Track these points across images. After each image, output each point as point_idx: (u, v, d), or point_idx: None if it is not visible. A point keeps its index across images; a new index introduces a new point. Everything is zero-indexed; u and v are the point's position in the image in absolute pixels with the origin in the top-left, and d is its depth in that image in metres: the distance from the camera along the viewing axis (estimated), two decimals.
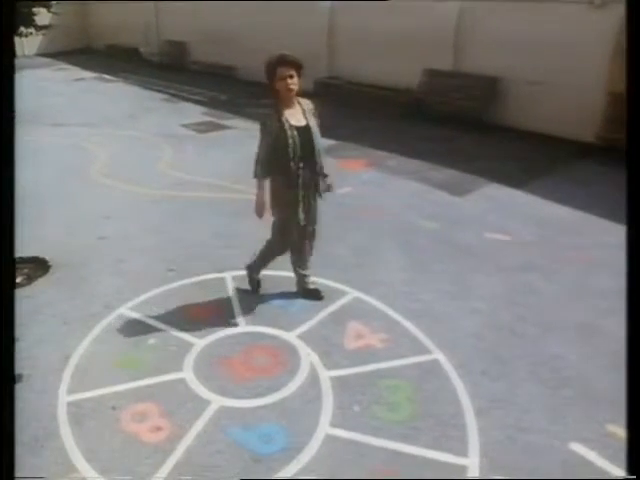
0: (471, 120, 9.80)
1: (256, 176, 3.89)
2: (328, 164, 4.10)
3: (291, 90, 3.66)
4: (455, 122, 9.81)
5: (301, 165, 3.79)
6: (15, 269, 4.50)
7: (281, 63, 3.63)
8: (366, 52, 11.92)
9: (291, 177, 3.80)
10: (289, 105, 3.77)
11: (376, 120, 10.53)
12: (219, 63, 16.28)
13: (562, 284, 4.65)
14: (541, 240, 5.47)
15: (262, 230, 5.67)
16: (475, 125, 9.70)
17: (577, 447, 3.01)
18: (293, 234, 4.09)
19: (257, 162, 3.86)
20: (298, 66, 3.67)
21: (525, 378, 3.55)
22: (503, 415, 3.25)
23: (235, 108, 11.84)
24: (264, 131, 3.80)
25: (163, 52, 18.76)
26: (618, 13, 8.06)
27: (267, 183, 3.96)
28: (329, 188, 4.09)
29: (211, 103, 12.58)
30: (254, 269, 4.43)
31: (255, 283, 4.49)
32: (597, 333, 4.00)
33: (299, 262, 4.36)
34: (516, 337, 3.95)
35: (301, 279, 4.42)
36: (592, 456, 2.95)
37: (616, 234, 5.58)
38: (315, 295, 4.38)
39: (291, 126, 3.72)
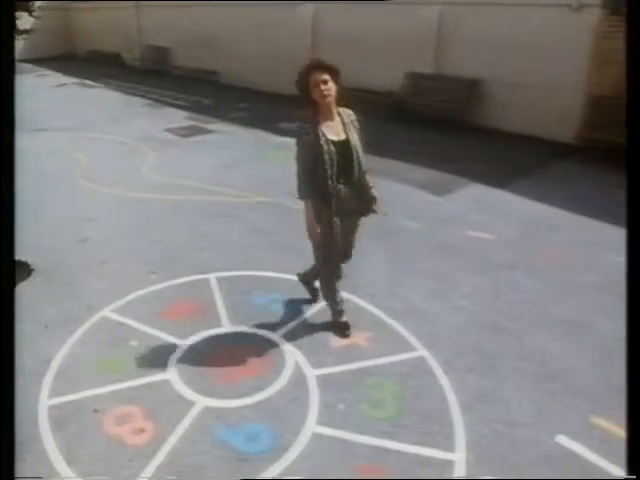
0: (453, 122, 9.88)
1: (301, 197, 3.50)
2: None
3: (326, 96, 3.28)
4: (437, 124, 9.89)
5: (341, 183, 3.45)
6: (15, 271, 4.42)
7: (314, 68, 3.29)
8: (349, 55, 11.89)
9: (328, 196, 3.45)
10: (327, 117, 3.39)
11: (358, 122, 10.55)
12: (202, 68, 16.27)
13: (545, 281, 4.68)
14: (524, 238, 5.51)
15: (245, 232, 5.68)
16: (457, 127, 9.78)
17: (562, 439, 3.03)
18: (333, 255, 3.74)
19: (299, 181, 3.47)
20: (333, 71, 3.32)
21: (510, 373, 3.57)
22: (489, 410, 3.25)
23: (218, 112, 11.82)
24: (300, 146, 3.43)
25: (145, 57, 18.71)
26: (595, 16, 8.21)
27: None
28: (374, 208, 3.69)
29: (194, 107, 12.54)
30: (328, 296, 3.98)
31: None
32: (580, 328, 4.04)
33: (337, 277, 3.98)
34: (500, 333, 3.96)
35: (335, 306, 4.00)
36: (578, 448, 2.97)
37: (597, 231, 5.68)
38: (342, 328, 3.95)
39: (328, 140, 3.36)
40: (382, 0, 10.81)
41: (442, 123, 9.88)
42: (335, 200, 3.47)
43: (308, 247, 3.88)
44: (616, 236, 5.59)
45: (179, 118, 11.40)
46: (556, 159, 8.20)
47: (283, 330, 3.97)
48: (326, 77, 3.27)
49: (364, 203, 3.65)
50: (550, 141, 8.78)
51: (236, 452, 2.94)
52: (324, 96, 3.28)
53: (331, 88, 3.29)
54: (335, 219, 3.53)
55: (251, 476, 2.80)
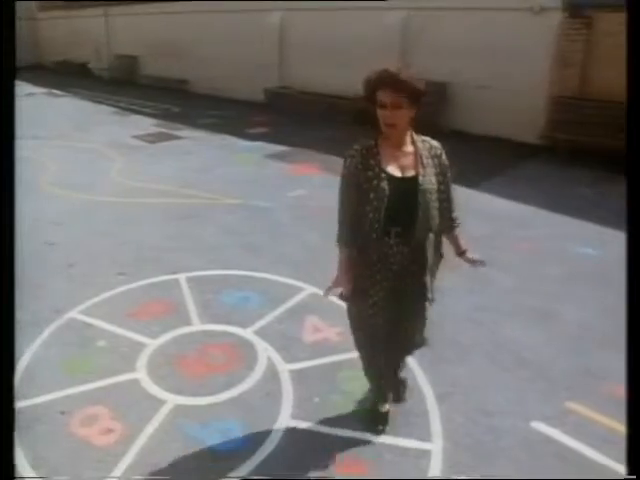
0: (421, 125, 9.94)
1: (339, 241, 2.61)
2: (280, 170, 3.70)
3: (389, 126, 2.41)
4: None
5: (392, 237, 2.50)
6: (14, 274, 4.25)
7: (384, 84, 2.36)
8: (316, 62, 12.04)
9: (370, 252, 2.55)
10: (394, 143, 2.49)
11: (327, 127, 10.61)
12: (171, 76, 16.18)
13: (515, 273, 4.73)
14: (494, 234, 5.57)
15: (214, 233, 5.61)
16: (425, 129, 9.81)
17: (538, 425, 3.03)
18: (373, 340, 2.82)
19: (340, 221, 2.60)
20: (412, 92, 2.36)
21: (484, 363, 3.57)
22: (464, 399, 3.24)
23: (187, 119, 11.75)
24: (343, 172, 2.55)
25: (114, 67, 18.53)
26: (556, 19, 8.41)
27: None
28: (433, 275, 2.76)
29: (162, 115, 12.43)
30: (375, 377, 3.02)
31: (392, 389, 3.12)
32: (551, 317, 4.08)
33: (389, 363, 3.00)
34: (474, 324, 3.97)
35: (394, 386, 3.12)
36: (554, 433, 2.97)
37: (563, 225, 5.80)
38: (376, 419, 3.03)
39: (383, 174, 2.45)
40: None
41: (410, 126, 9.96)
42: (379, 260, 2.54)
43: (278, 246, 3.81)
44: (582, 229, 5.74)
45: (147, 125, 11.28)
46: (522, 159, 8.34)
47: (255, 327, 3.90)
48: (397, 100, 2.34)
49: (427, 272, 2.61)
50: (516, 142, 8.95)
51: (209, 449, 2.86)
52: (387, 125, 2.41)
53: (400, 117, 2.39)
54: (376, 289, 2.61)
55: (225, 473, 2.72)
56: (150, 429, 2.98)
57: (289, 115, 11.87)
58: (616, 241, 5.34)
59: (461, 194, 7.05)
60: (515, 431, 2.99)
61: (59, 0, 21.34)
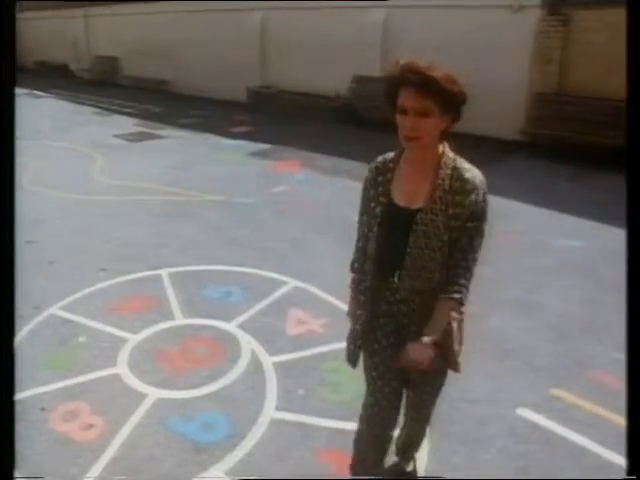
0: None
1: (352, 270, 2.16)
2: (262, 167, 3.51)
3: (409, 139, 1.80)
4: (386, 126, 9.95)
5: (395, 279, 1.97)
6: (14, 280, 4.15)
7: (406, 82, 1.74)
8: (297, 61, 12.02)
9: (367, 294, 2.06)
10: (418, 162, 1.91)
11: (309, 126, 10.60)
12: (152, 77, 16.05)
13: (498, 265, 4.73)
14: None
15: (197, 229, 5.56)
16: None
17: (524, 412, 3.03)
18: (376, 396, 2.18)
19: (357, 246, 2.13)
20: (439, 93, 1.72)
21: (467, 352, 3.55)
22: (449, 389, 3.21)
23: (168, 119, 11.66)
24: (363, 190, 2.07)
25: (94, 68, 18.34)
26: (535, 16, 8.49)
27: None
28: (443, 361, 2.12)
29: (143, 115, 12.32)
30: (373, 453, 2.33)
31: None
32: (534, 307, 4.10)
33: (399, 440, 2.58)
34: None
35: (399, 459, 2.63)
36: (539, 419, 2.97)
37: (546, 218, 5.85)
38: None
39: (382, 199, 1.94)
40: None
41: (391, 125, 9.97)
42: (377, 302, 2.05)
43: (261, 241, 3.75)
44: (563, 222, 5.79)
45: (128, 125, 11.18)
46: (504, 155, 8.40)
47: (238, 320, 3.86)
48: (422, 104, 1.72)
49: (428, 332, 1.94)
50: (497, 139, 8.99)
51: (192, 442, 2.82)
52: (406, 138, 1.80)
53: (425, 128, 1.76)
54: (380, 339, 2.10)
55: (208, 465, 2.68)
56: (132, 423, 2.93)
57: (271, 114, 11.84)
58: (597, 233, 5.40)
59: None
60: (500, 418, 2.99)
61: (40, 0, 21.06)
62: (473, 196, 1.83)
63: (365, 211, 2.03)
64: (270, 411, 3.02)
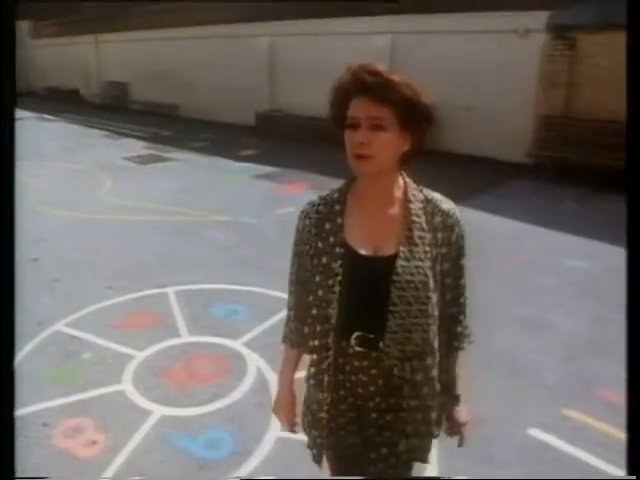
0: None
1: (283, 339, 1.73)
2: (269, 189, 3.25)
3: (359, 158, 1.39)
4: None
5: (352, 345, 1.48)
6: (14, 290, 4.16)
7: (359, 88, 1.38)
8: (305, 85, 12.15)
9: (331, 371, 1.51)
10: (374, 194, 1.50)
11: (317, 149, 10.65)
12: (161, 101, 16.28)
13: (503, 284, 4.73)
14: (481, 247, 5.53)
15: (204, 249, 5.56)
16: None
17: (535, 432, 2.97)
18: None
19: (288, 308, 1.69)
20: (398, 100, 1.36)
21: (476, 371, 3.50)
22: None
23: (177, 142, 11.79)
24: (295, 242, 1.62)
25: (104, 93, 18.65)
26: (541, 41, 8.58)
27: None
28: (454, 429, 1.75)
29: (152, 138, 12.47)
30: None
31: None
32: (541, 326, 4.06)
33: None
34: None
35: None
36: (551, 439, 2.91)
37: (551, 239, 5.85)
38: None
39: (338, 250, 1.48)
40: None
41: None
42: (335, 378, 1.52)
43: (266, 261, 3.67)
44: (569, 243, 5.76)
45: (137, 148, 11.30)
46: (509, 177, 8.42)
47: (244, 339, 3.83)
48: (377, 112, 1.35)
49: (418, 424, 1.56)
50: (503, 161, 9.03)
51: (196, 459, 2.77)
52: (357, 156, 1.39)
53: (380, 144, 1.36)
54: (338, 426, 1.58)
55: None
56: (135, 440, 2.89)
57: (279, 138, 11.95)
58: (603, 254, 5.37)
59: None
60: (511, 438, 2.93)
61: (51, 27, 21.55)
62: (457, 229, 1.52)
63: (309, 270, 1.53)
64: (276, 430, 2.97)
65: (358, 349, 1.48)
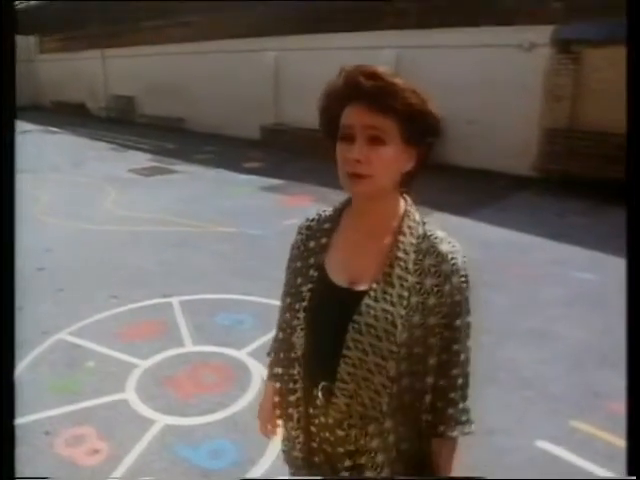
0: None
1: (268, 354, 1.68)
2: (274, 201, 3.34)
3: (354, 178, 1.17)
4: None
5: (319, 388, 1.26)
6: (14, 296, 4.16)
7: (351, 93, 1.16)
8: (310, 99, 12.10)
9: (301, 408, 1.34)
10: (364, 221, 1.28)
11: (322, 163, 10.66)
12: (167, 115, 16.38)
13: (511, 296, 4.69)
14: (488, 259, 5.53)
15: (208, 259, 5.55)
16: None
17: (543, 444, 2.93)
18: None
19: (275, 337, 1.60)
20: (402, 108, 1.12)
21: (484, 382, 3.47)
22: None
23: (182, 155, 11.84)
24: (290, 265, 1.40)
25: (111, 107, 18.80)
26: (545, 54, 8.62)
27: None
28: None
29: (158, 151, 12.53)
30: None
31: None
32: (550, 338, 4.02)
33: None
34: (471, 344, 3.90)
35: None
36: (560, 452, 2.87)
37: (557, 251, 5.81)
38: None
39: (311, 273, 1.30)
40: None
41: None
42: (299, 417, 1.35)
43: (271, 271, 3.69)
44: (576, 255, 5.73)
45: (142, 160, 11.36)
46: (515, 190, 8.42)
47: (249, 348, 3.81)
48: (377, 122, 1.13)
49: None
50: (508, 174, 9.03)
51: (199, 469, 2.74)
52: (352, 176, 1.18)
53: (380, 161, 1.15)
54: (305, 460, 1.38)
55: None
56: (138, 449, 2.86)
57: (284, 151, 11.99)
58: (609, 265, 5.33)
59: (451, 221, 7.25)
60: (519, 450, 2.89)
61: (57, 42, 21.81)
62: (455, 279, 1.20)
63: (289, 289, 1.37)
64: (280, 440, 2.94)
65: (321, 396, 1.25)
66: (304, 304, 1.27)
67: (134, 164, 10.82)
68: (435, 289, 1.20)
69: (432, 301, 1.20)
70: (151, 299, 4.54)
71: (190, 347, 3.83)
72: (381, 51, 10.80)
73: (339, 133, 1.19)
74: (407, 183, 1.25)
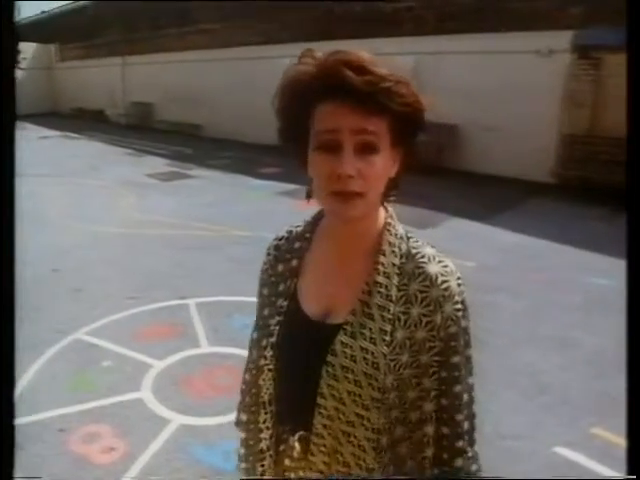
0: (433, 166, 10.04)
1: (237, 423, 1.22)
2: (289, 205, 3.49)
3: (342, 198, 0.89)
4: (418, 168, 10.01)
5: (296, 438, 1.00)
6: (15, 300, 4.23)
7: (332, 84, 0.87)
8: None
9: (267, 462, 1.07)
10: (341, 241, 1.01)
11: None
12: (184, 121, 16.54)
13: (528, 301, 4.65)
14: (505, 264, 5.50)
15: (224, 262, 5.57)
16: (437, 170, 9.92)
17: (562, 450, 2.88)
18: None
19: (243, 378, 1.22)
20: (395, 104, 0.89)
21: (500, 388, 3.44)
22: (479, 423, 3.10)
23: (199, 160, 11.94)
24: (259, 284, 1.17)
25: (129, 113, 19.03)
26: (564, 60, 8.56)
27: None
28: None
29: (175, 156, 12.65)
30: None
31: None
32: (567, 343, 3.97)
33: None
34: (488, 348, 3.85)
35: None
36: (579, 458, 2.83)
37: (575, 257, 5.76)
38: None
39: (280, 302, 1.06)
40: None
41: (423, 167, 10.01)
42: (267, 466, 1.07)
43: None
44: (593, 261, 5.66)
45: (160, 165, 11.47)
46: (533, 196, 8.35)
47: None
48: (371, 125, 0.88)
49: None
50: (526, 180, 8.96)
51: (213, 469, 2.73)
52: (340, 195, 0.90)
53: (372, 173, 0.90)
54: None
55: None
56: (153, 448, 2.86)
57: None
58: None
59: (469, 227, 7.21)
60: (536, 455, 2.85)
61: (77, 50, 22.17)
62: (448, 307, 0.96)
63: (257, 322, 1.15)
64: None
65: (295, 448, 1.01)
66: (272, 340, 1.04)
67: (152, 169, 10.93)
68: (424, 320, 0.95)
69: (421, 335, 0.95)
70: (168, 301, 4.57)
71: (206, 348, 3.85)
72: (399, 57, 10.81)
73: (315, 140, 0.92)
74: (390, 191, 1.00)
